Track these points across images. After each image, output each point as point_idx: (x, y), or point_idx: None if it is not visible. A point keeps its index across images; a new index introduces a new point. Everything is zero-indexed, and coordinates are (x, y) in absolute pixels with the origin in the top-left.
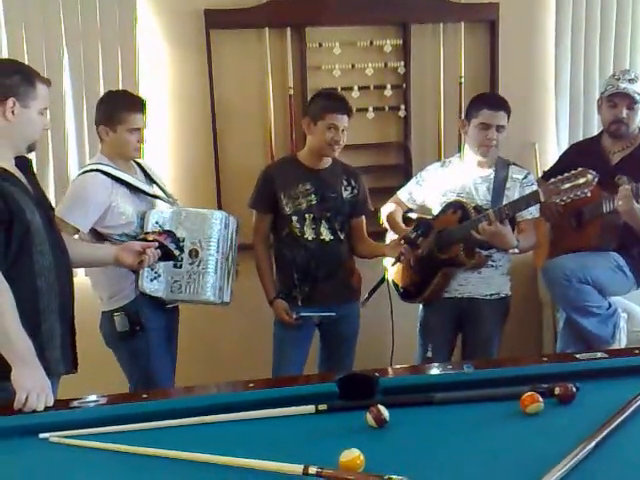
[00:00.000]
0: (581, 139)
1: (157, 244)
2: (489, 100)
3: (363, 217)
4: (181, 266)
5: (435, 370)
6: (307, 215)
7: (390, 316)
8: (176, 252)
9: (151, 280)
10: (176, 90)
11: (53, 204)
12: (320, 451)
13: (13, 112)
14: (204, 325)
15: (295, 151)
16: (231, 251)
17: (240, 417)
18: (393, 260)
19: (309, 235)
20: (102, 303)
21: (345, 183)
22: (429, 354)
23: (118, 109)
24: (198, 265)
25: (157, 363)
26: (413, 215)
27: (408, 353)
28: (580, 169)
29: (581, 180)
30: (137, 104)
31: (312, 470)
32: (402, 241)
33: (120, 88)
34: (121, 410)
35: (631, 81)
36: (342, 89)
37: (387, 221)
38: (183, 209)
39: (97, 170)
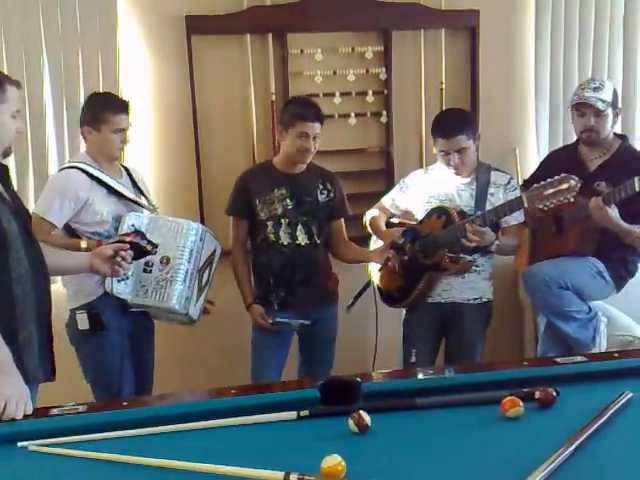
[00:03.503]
0: (561, 144)
1: (129, 245)
2: (441, 128)
3: (342, 220)
4: (151, 271)
5: (417, 375)
6: (283, 220)
7: (375, 321)
8: (148, 247)
9: (119, 281)
10: (157, 96)
11: (33, 208)
12: (302, 457)
13: None
14: (182, 332)
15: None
16: (209, 270)
17: (221, 424)
18: (379, 265)
19: (285, 240)
20: (68, 299)
21: (321, 187)
22: (413, 359)
23: (103, 110)
24: (167, 273)
25: (114, 365)
26: (395, 220)
27: (390, 358)
28: (563, 175)
29: (564, 186)
30: (121, 105)
31: (293, 477)
32: (390, 247)
33: (100, 92)
34: (101, 418)
35: (596, 89)
36: (324, 95)
37: (370, 226)
38: (161, 217)
39: (77, 168)
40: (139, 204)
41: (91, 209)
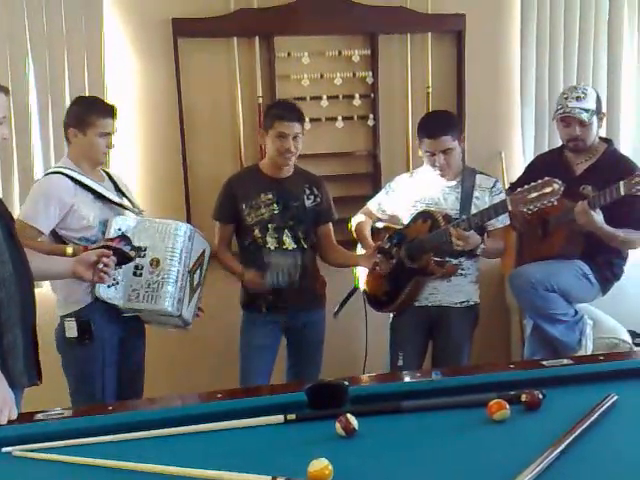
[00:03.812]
0: (546, 148)
1: (112, 251)
2: (428, 129)
3: (330, 224)
4: (141, 275)
5: (404, 378)
6: (269, 225)
7: (365, 325)
8: (131, 253)
9: (109, 287)
10: (144, 99)
11: (18, 211)
12: (289, 461)
13: None
14: (172, 336)
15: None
16: (200, 270)
17: (208, 428)
18: (365, 269)
19: (272, 244)
20: (58, 305)
21: (308, 192)
22: (400, 363)
23: (90, 113)
24: (158, 275)
25: (98, 374)
26: (380, 225)
27: (380, 361)
28: (547, 178)
29: (547, 189)
30: (108, 110)
31: None
32: (377, 251)
33: (87, 96)
34: (87, 422)
35: (579, 99)
36: (311, 98)
37: (355, 232)
38: (148, 219)
39: (61, 173)
40: (124, 207)
41: (77, 214)
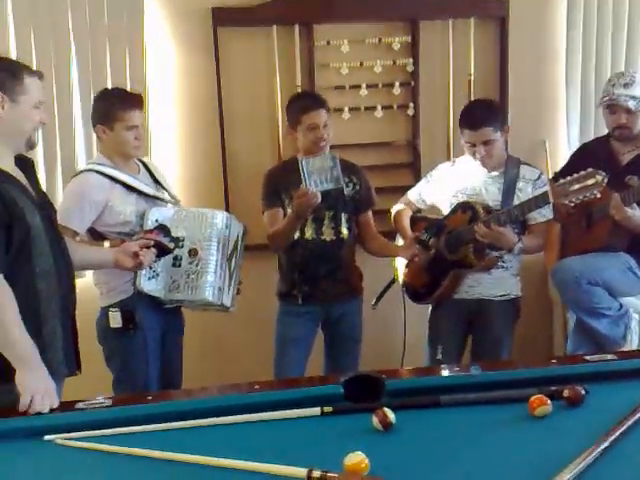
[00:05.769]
0: (592, 137)
1: (152, 242)
2: (468, 120)
3: (370, 212)
4: (180, 265)
5: (442, 372)
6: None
7: (403, 317)
8: (170, 245)
9: (149, 279)
10: (184, 88)
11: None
12: (325, 454)
13: (3, 107)
14: (209, 326)
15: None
16: (235, 255)
17: (245, 419)
18: (404, 260)
19: (310, 235)
20: (101, 298)
21: (346, 179)
22: (439, 356)
23: (114, 107)
24: (197, 265)
25: (142, 364)
26: (420, 215)
27: (419, 355)
28: (590, 170)
29: (590, 181)
30: (134, 101)
31: (316, 474)
32: (415, 242)
33: (128, 86)
34: (127, 412)
35: (626, 85)
36: (350, 87)
37: (394, 221)
38: (184, 208)
39: (93, 170)
40: (160, 199)
41: (113, 211)
